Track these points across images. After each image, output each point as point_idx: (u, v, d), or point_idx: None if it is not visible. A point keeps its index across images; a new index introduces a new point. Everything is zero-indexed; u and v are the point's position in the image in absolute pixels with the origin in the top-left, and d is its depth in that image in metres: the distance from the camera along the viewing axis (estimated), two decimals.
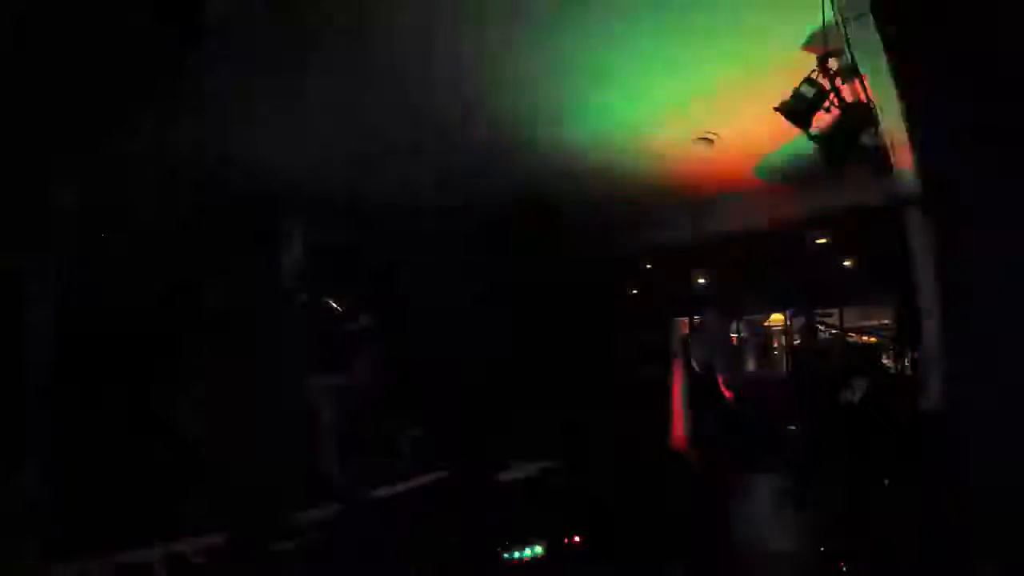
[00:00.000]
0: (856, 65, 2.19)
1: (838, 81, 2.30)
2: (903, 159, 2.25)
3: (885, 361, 6.36)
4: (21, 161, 2.21)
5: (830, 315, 8.27)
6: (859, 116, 2.23)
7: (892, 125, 2.19)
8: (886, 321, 7.65)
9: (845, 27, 2.09)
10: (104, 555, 1.18)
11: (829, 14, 2.12)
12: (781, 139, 3.03)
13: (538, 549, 2.25)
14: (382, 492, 1.72)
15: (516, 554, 2.08)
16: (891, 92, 1.84)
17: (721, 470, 4.09)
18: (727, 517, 4.09)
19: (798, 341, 8.65)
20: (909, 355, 5.13)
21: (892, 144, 2.28)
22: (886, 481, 3.77)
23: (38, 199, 3.10)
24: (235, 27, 2.36)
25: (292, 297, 1.87)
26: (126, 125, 2.23)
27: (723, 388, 4.30)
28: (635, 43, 2.77)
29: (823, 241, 6.21)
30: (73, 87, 1.86)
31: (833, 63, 2.30)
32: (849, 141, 2.27)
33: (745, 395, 4.39)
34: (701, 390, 4.30)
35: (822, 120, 2.32)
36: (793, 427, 4.01)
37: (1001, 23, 1.60)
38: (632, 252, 6.55)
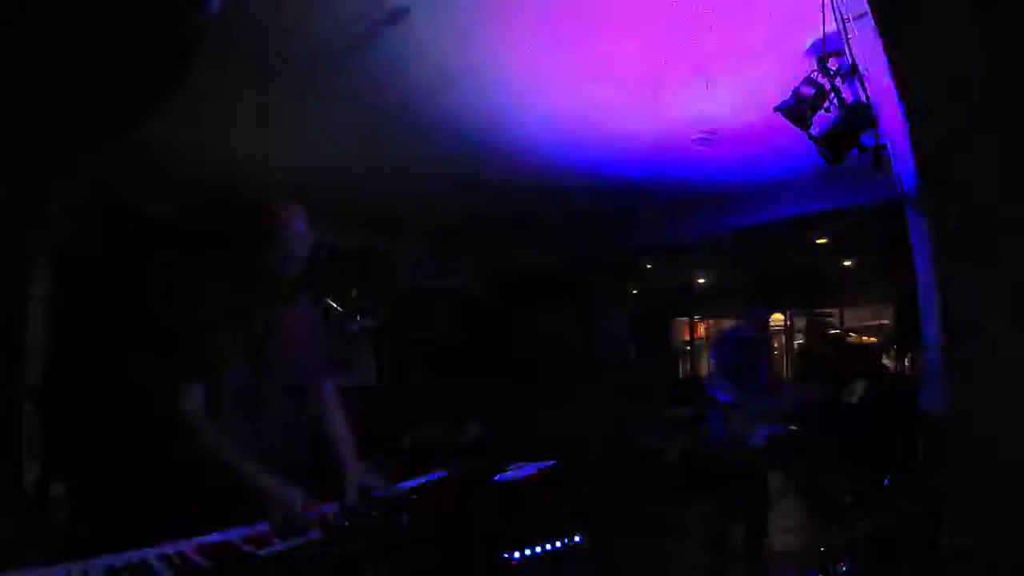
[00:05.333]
0: (856, 65, 2.19)
1: (838, 81, 2.30)
2: (903, 159, 2.25)
3: (885, 361, 6.36)
4: (21, 158, 2.21)
5: (830, 315, 8.28)
6: (859, 116, 2.22)
7: (892, 125, 2.19)
8: (886, 321, 7.68)
9: (845, 27, 2.09)
10: (104, 555, 1.18)
11: (829, 14, 2.12)
12: (781, 139, 3.04)
13: (538, 548, 2.25)
14: (382, 492, 1.73)
15: (516, 554, 2.07)
16: (891, 92, 1.84)
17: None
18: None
19: (800, 341, 8.66)
20: (909, 355, 5.13)
21: (892, 144, 2.28)
22: (886, 481, 3.77)
23: (38, 196, 3.09)
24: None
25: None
26: (129, 123, 2.23)
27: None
28: (634, 42, 2.78)
29: (823, 241, 6.22)
30: (76, 84, 1.86)
31: (833, 63, 2.30)
32: (849, 141, 2.26)
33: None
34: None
35: (822, 120, 2.32)
36: (794, 427, 3.98)
37: (1002, 23, 1.60)
38: (632, 252, 6.54)
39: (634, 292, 7.51)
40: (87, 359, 3.74)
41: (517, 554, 2.06)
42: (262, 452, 1.68)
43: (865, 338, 8.37)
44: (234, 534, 1.37)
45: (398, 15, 2.52)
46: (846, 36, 2.10)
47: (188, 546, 1.28)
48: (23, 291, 3.44)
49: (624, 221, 5.78)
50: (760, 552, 3.95)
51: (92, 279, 3.87)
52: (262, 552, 1.29)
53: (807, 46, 2.62)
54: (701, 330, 10.00)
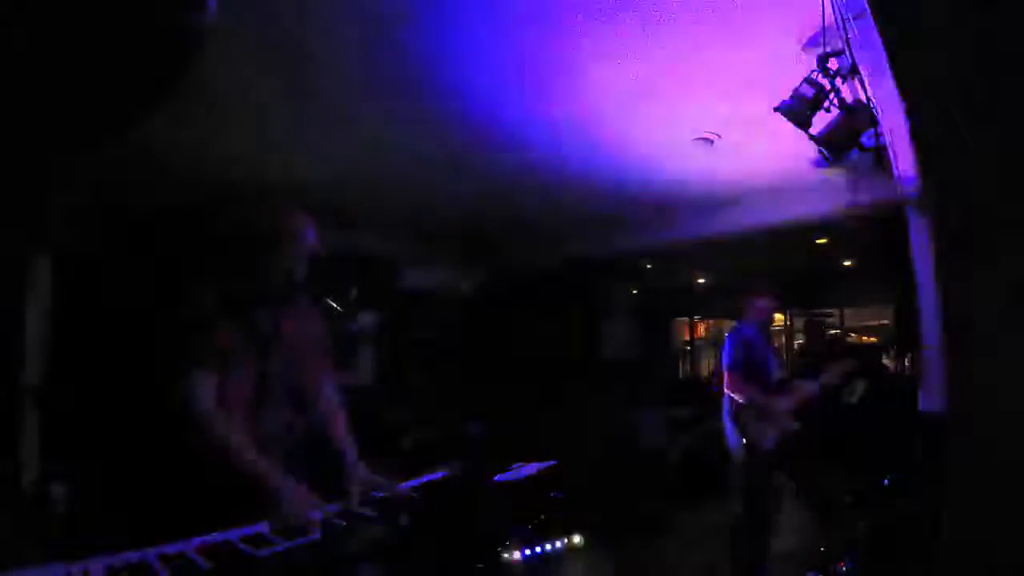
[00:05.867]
0: (856, 65, 2.20)
1: (838, 81, 2.30)
2: (903, 159, 2.25)
3: (885, 361, 6.36)
4: (21, 158, 2.21)
5: (830, 315, 8.28)
6: (859, 116, 2.22)
7: (892, 125, 2.20)
8: (886, 321, 7.69)
9: (845, 27, 2.09)
10: (104, 555, 1.18)
11: (829, 14, 2.12)
12: (781, 139, 3.04)
13: (538, 549, 2.24)
14: (382, 492, 1.74)
15: (516, 554, 2.07)
16: (891, 92, 1.84)
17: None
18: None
19: (801, 341, 8.65)
20: (909, 355, 5.12)
21: (892, 144, 2.28)
22: (886, 481, 3.76)
23: (38, 196, 3.10)
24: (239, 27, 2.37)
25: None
26: (129, 123, 2.24)
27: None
28: (634, 43, 2.78)
29: (823, 241, 6.22)
30: (75, 84, 1.86)
31: (833, 63, 2.30)
32: (849, 141, 2.27)
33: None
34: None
35: (822, 120, 2.32)
36: (796, 426, 3.95)
37: (1003, 23, 1.60)
38: (632, 252, 6.53)
39: (634, 292, 7.51)
40: (89, 358, 3.74)
41: (517, 554, 2.06)
42: (266, 451, 1.69)
43: (865, 338, 8.39)
44: (234, 534, 1.37)
45: (398, 16, 2.53)
46: (846, 36, 2.10)
47: (188, 546, 1.28)
48: (26, 291, 3.44)
49: (624, 222, 5.78)
50: (764, 552, 3.93)
51: (97, 278, 3.88)
52: (262, 552, 1.29)
53: (806, 46, 2.62)
54: (701, 330, 10.02)
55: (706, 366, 9.61)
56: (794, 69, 2.40)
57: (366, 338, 5.59)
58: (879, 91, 2.12)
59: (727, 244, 5.75)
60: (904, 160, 2.20)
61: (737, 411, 3.83)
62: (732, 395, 3.83)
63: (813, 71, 2.32)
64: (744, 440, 3.78)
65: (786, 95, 2.35)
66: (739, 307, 4.10)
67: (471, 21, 2.62)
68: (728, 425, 3.92)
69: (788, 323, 8.79)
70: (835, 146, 2.27)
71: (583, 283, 6.78)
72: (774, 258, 6.74)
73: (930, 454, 2.08)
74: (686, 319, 9.60)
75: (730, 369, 3.84)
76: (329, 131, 3.66)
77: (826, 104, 2.29)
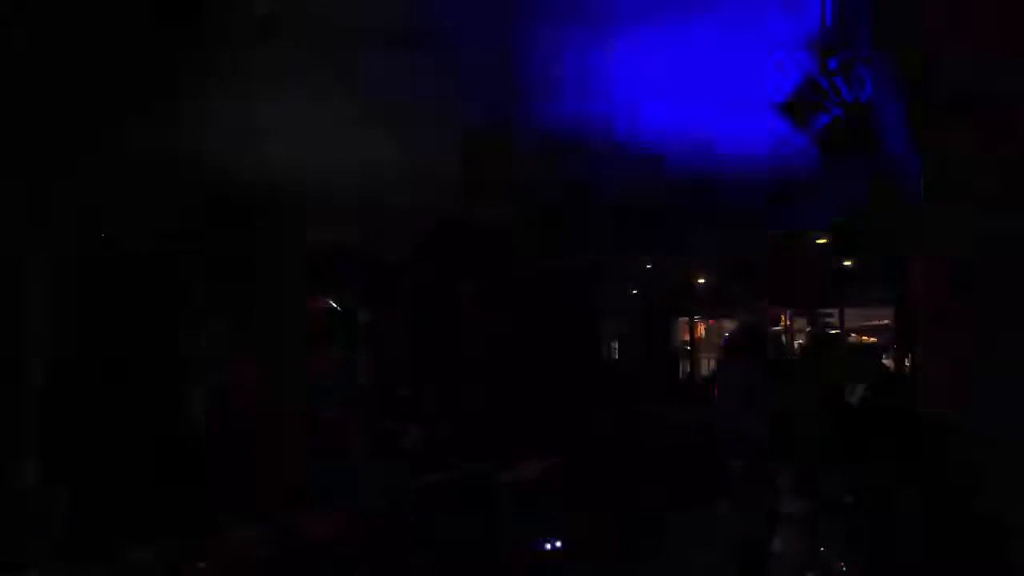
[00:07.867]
0: (856, 65, 2.20)
1: (838, 81, 2.30)
2: (903, 158, 2.25)
3: (885, 361, 6.36)
4: (23, 159, 2.21)
5: (830, 315, 8.28)
6: (859, 116, 2.23)
7: (891, 124, 2.19)
8: (886, 321, 7.69)
9: (845, 27, 2.09)
10: (104, 555, 1.19)
11: (829, 14, 2.12)
12: (782, 139, 3.03)
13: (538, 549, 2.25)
14: (387, 490, 1.74)
15: (518, 553, 2.08)
16: (891, 92, 1.84)
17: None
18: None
19: (801, 341, 8.64)
20: (909, 355, 5.12)
21: (891, 143, 2.28)
22: (885, 481, 3.75)
23: (39, 196, 3.10)
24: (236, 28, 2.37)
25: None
26: (127, 123, 2.24)
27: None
28: (635, 44, 2.78)
29: (823, 241, 6.22)
30: (75, 85, 1.87)
31: (833, 63, 2.30)
32: (849, 141, 2.27)
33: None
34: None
35: (822, 120, 2.32)
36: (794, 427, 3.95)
37: (1003, 22, 1.60)
38: (635, 253, 6.53)
39: (634, 292, 7.52)
40: (90, 360, 3.74)
41: (519, 553, 2.06)
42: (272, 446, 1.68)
43: (865, 338, 8.39)
44: (235, 533, 1.37)
45: (398, 15, 2.52)
46: (846, 35, 2.10)
47: (188, 546, 1.28)
48: (26, 294, 3.44)
49: (624, 221, 5.77)
50: (763, 553, 3.93)
51: (96, 281, 3.87)
52: (263, 552, 1.29)
53: (807, 45, 2.62)
54: (701, 330, 10.01)
55: (707, 366, 9.62)
56: (794, 69, 2.40)
57: (367, 337, 5.59)
58: (879, 91, 2.12)
59: (727, 244, 5.75)
60: (904, 159, 2.20)
61: (725, 414, 3.90)
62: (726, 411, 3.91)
63: (813, 71, 2.32)
64: (732, 444, 3.85)
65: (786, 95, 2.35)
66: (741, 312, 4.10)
67: (474, 20, 2.61)
68: (718, 428, 3.99)
69: (788, 323, 8.80)
70: (832, 143, 2.28)
71: (583, 283, 6.78)
72: (774, 258, 6.74)
73: (930, 454, 2.08)
74: (686, 319, 9.60)
75: (724, 388, 3.90)
76: (330, 131, 3.66)
77: (826, 104, 2.29)
